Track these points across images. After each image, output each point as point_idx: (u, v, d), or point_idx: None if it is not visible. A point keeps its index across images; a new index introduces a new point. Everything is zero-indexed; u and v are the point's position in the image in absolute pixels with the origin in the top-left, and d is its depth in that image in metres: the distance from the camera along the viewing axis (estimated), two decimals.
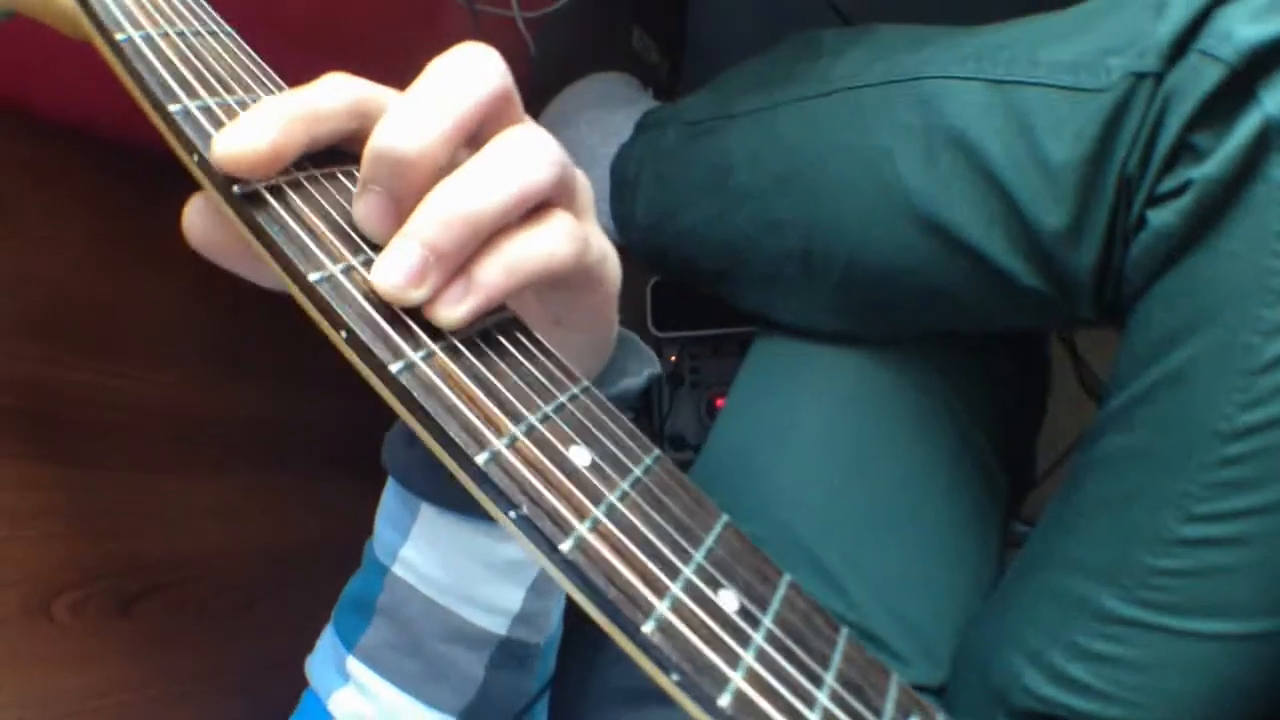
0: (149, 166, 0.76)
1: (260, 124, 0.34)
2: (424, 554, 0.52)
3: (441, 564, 0.52)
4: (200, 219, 0.38)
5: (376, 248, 0.35)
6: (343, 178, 0.38)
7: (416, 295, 0.33)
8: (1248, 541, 0.56)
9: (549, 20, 1.12)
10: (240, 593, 0.95)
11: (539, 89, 1.08)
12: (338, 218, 0.36)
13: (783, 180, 0.74)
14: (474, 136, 0.37)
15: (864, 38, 0.77)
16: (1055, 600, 0.64)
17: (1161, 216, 0.58)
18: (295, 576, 1.00)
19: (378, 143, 0.35)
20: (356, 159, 0.37)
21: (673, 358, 1.15)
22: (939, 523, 0.76)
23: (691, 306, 1.10)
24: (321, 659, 0.57)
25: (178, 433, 0.91)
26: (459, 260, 0.34)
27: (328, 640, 0.57)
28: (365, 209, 0.35)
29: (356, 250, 0.35)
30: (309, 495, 1.04)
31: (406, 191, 0.35)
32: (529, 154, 0.36)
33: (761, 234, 0.77)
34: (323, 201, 0.36)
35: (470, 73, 0.37)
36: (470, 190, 0.34)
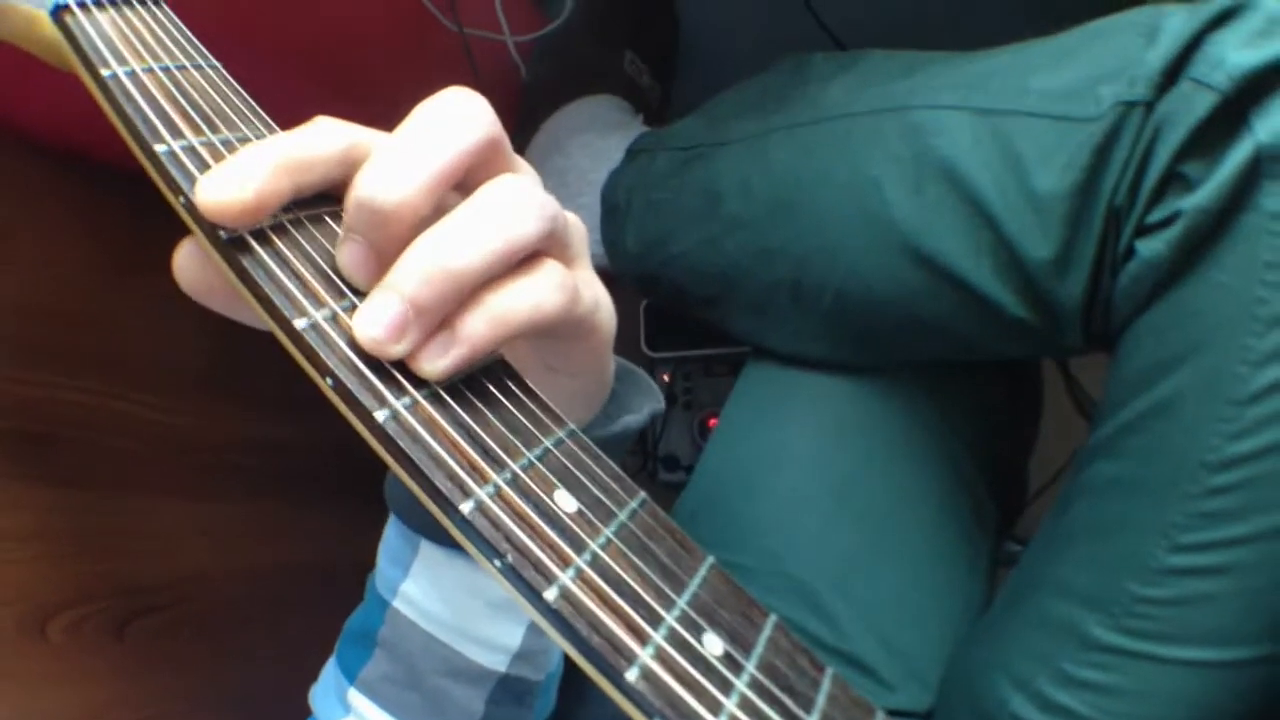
0: (143, 187, 0.76)
1: (244, 172, 0.34)
2: (424, 590, 0.52)
3: (442, 600, 0.52)
4: (190, 262, 0.37)
5: (361, 293, 0.35)
6: (330, 220, 0.37)
7: (397, 350, 0.33)
8: (1229, 571, 0.56)
9: (540, 43, 1.12)
10: (234, 614, 0.95)
11: (530, 112, 1.08)
12: (323, 263, 0.36)
13: (773, 209, 0.74)
14: (462, 182, 0.37)
15: (855, 64, 0.77)
16: (1043, 626, 0.64)
17: (1151, 247, 0.57)
18: (290, 599, 1.00)
19: (359, 192, 0.34)
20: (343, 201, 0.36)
21: (665, 377, 1.16)
22: (928, 548, 0.76)
23: (684, 327, 1.10)
24: (324, 689, 0.57)
25: (174, 455, 0.91)
26: (440, 314, 0.34)
27: (331, 671, 0.57)
28: (347, 258, 0.35)
29: (341, 296, 0.35)
30: (304, 519, 1.04)
31: (388, 242, 0.34)
32: (515, 206, 0.36)
33: (752, 262, 0.77)
34: (308, 246, 0.36)
35: (456, 120, 0.36)
36: (453, 244, 0.34)
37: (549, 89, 1.09)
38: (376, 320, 0.33)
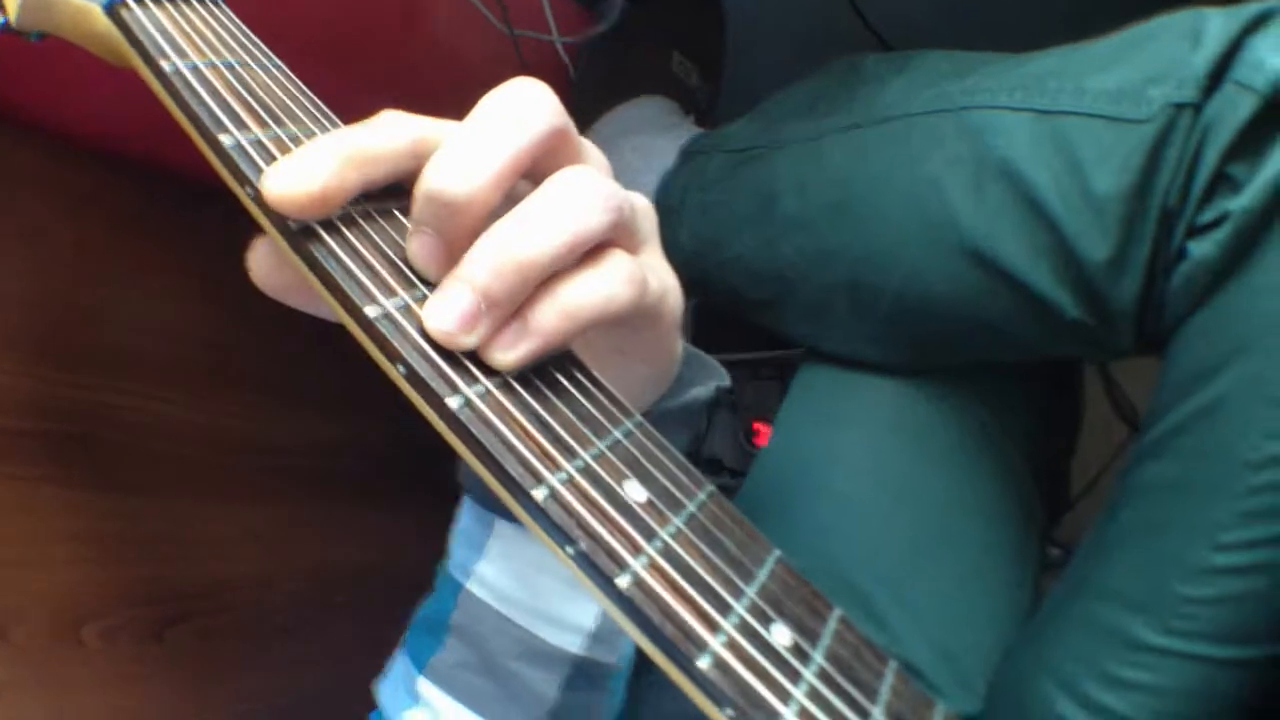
0: (191, 190, 0.76)
1: (311, 165, 0.34)
2: (499, 569, 0.52)
3: (516, 578, 0.52)
4: (263, 260, 0.38)
5: (432, 285, 0.35)
6: (399, 214, 0.38)
7: (468, 340, 0.33)
8: (1268, 569, 0.57)
9: (589, 44, 1.13)
10: (276, 620, 0.95)
11: (579, 114, 1.08)
12: (393, 254, 0.36)
13: (831, 210, 0.74)
14: (530, 171, 0.37)
15: (908, 65, 0.77)
16: (1090, 629, 0.64)
17: (1202, 248, 0.58)
18: (333, 604, 1.00)
19: (427, 185, 0.34)
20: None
21: None
22: (979, 552, 0.76)
23: (732, 330, 1.09)
24: (391, 681, 0.57)
25: (219, 459, 0.92)
26: (511, 306, 0.34)
27: (399, 661, 0.57)
28: (417, 249, 0.35)
29: (412, 286, 0.35)
30: (350, 523, 1.04)
31: (458, 233, 0.35)
32: (584, 198, 0.36)
33: (809, 264, 0.76)
34: (378, 238, 0.36)
35: (523, 110, 0.36)
36: (523, 236, 0.34)
37: (598, 90, 1.09)
38: (448, 311, 0.33)
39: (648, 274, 0.39)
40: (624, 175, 0.96)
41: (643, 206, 0.41)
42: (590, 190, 0.36)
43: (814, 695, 0.31)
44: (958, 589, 0.75)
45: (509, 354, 0.34)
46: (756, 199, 0.80)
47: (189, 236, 0.74)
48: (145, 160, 0.82)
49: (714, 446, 1.15)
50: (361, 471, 1.05)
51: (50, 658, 0.74)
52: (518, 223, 0.34)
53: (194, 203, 0.79)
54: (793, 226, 0.77)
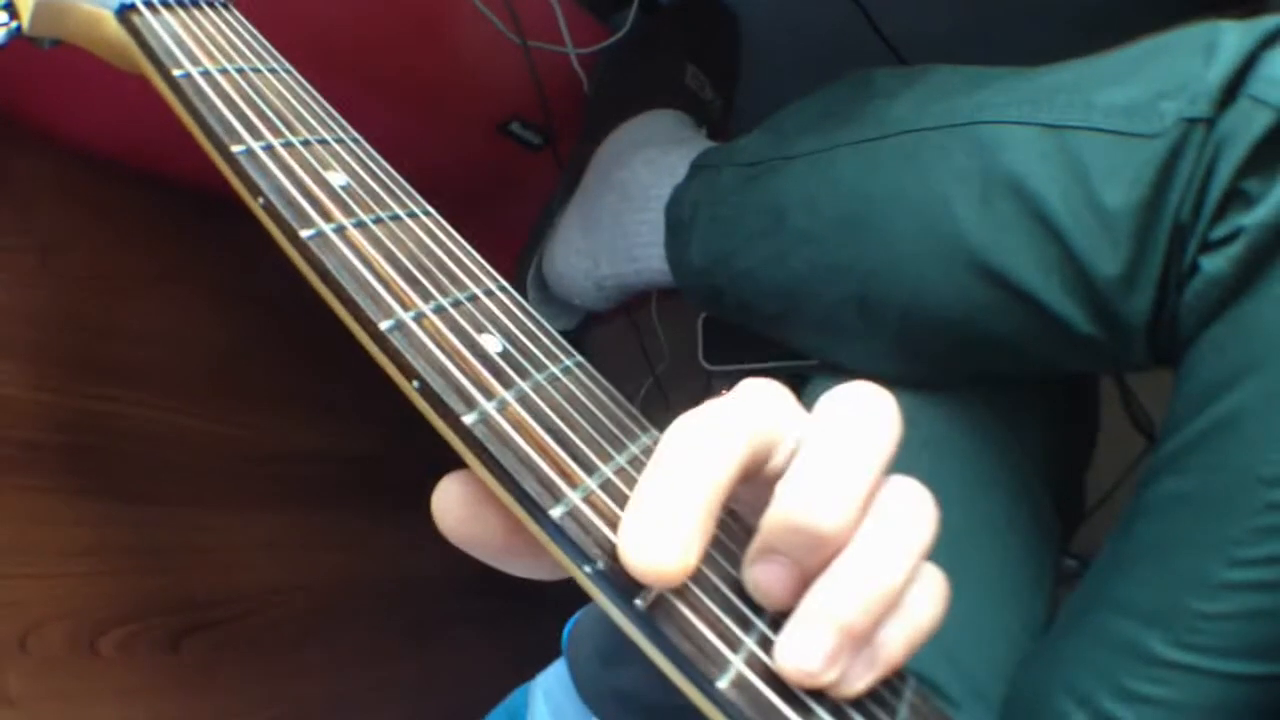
0: (206, 202, 0.76)
1: (675, 527, 0.31)
2: None
3: None
4: (460, 507, 0.35)
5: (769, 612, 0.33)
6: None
7: (828, 678, 0.31)
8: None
9: (602, 57, 1.13)
10: (291, 630, 0.95)
11: (593, 126, 1.08)
12: (727, 590, 0.34)
13: (840, 225, 0.74)
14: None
15: (919, 79, 0.77)
16: (1105, 643, 0.64)
17: (1214, 263, 0.58)
18: (346, 613, 1.00)
19: (794, 516, 0.32)
20: None
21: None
22: (996, 565, 0.75)
23: (743, 340, 1.09)
24: None
25: (235, 469, 0.92)
26: (868, 640, 0.32)
27: None
28: (769, 580, 0.33)
29: (748, 626, 0.33)
30: (364, 534, 1.04)
31: (817, 565, 0.33)
32: (920, 513, 0.34)
33: (819, 279, 0.76)
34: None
35: (875, 426, 0.34)
36: (885, 568, 0.32)
37: (612, 103, 1.09)
38: (813, 652, 0.31)
39: None
40: (635, 188, 0.98)
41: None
42: (922, 504, 0.34)
43: (835, 711, 0.31)
44: (972, 602, 0.74)
45: (858, 684, 0.32)
46: (767, 213, 0.80)
47: (199, 247, 0.74)
48: (154, 170, 0.83)
49: None
50: (373, 481, 1.06)
51: (67, 668, 0.74)
52: (877, 550, 0.32)
53: (203, 212, 0.79)
54: (802, 240, 0.77)
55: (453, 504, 0.35)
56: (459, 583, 1.00)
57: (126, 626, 0.79)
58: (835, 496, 0.32)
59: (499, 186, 1.20)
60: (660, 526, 0.30)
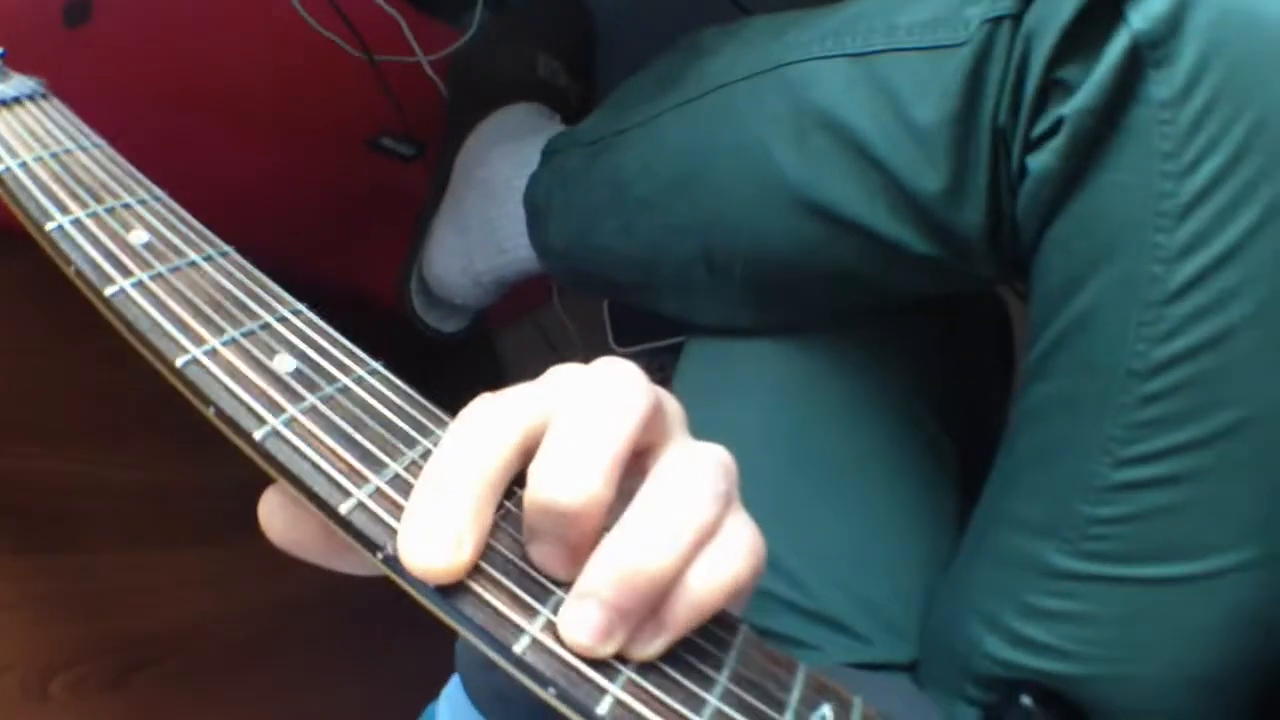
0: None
1: (447, 524, 0.32)
2: None
3: None
4: (280, 516, 0.37)
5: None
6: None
7: (607, 650, 0.32)
8: (1183, 480, 0.54)
9: (453, 61, 1.13)
10: (233, 657, 0.96)
11: (453, 128, 1.09)
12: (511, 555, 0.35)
13: (674, 186, 0.75)
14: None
15: (738, 32, 0.77)
16: (1003, 561, 0.63)
17: (1040, 160, 0.56)
18: (289, 636, 1.02)
19: (540, 496, 0.32)
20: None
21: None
22: (886, 499, 0.76)
23: (648, 318, 1.09)
24: None
25: (153, 507, 0.93)
26: (645, 613, 0.32)
27: None
28: (542, 556, 0.33)
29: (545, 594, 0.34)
30: (296, 559, 1.05)
31: (579, 539, 0.33)
32: (697, 493, 0.33)
33: (665, 243, 0.77)
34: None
35: (617, 400, 0.34)
36: (647, 548, 0.32)
37: (468, 106, 1.09)
38: (581, 627, 0.31)
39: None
40: (497, 183, 0.99)
41: (672, 407, 0.38)
42: (701, 480, 0.34)
43: (648, 669, 0.32)
44: (870, 539, 0.74)
45: (648, 649, 0.32)
46: (610, 188, 0.81)
47: (61, 290, 0.74)
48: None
49: None
50: None
51: (25, 714, 0.76)
52: (639, 532, 0.32)
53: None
54: (644, 208, 0.78)
55: (275, 513, 0.37)
56: (401, 595, 0.99)
57: (73, 669, 0.80)
58: (570, 471, 0.32)
59: (380, 202, 1.20)
60: (430, 528, 0.32)
